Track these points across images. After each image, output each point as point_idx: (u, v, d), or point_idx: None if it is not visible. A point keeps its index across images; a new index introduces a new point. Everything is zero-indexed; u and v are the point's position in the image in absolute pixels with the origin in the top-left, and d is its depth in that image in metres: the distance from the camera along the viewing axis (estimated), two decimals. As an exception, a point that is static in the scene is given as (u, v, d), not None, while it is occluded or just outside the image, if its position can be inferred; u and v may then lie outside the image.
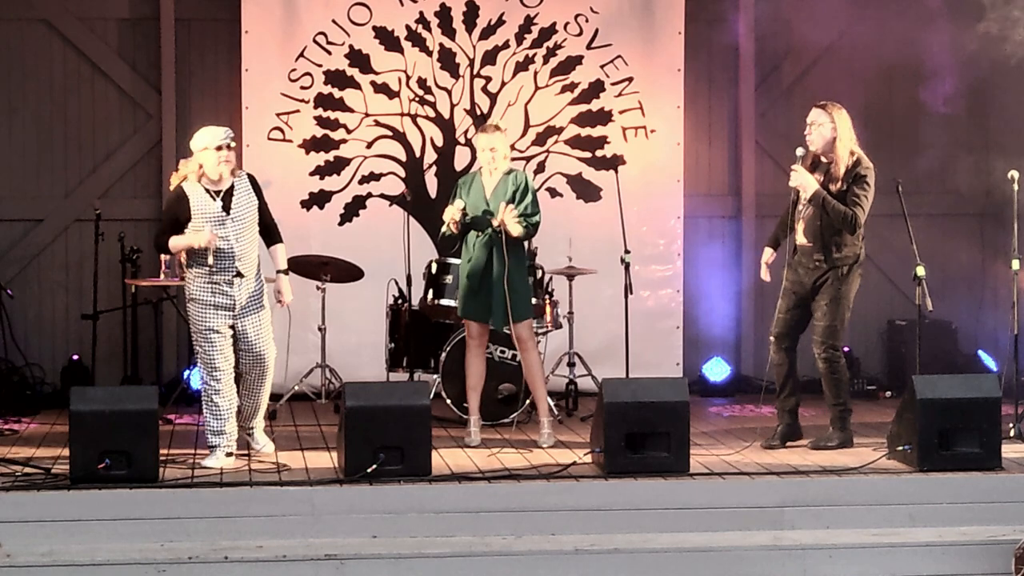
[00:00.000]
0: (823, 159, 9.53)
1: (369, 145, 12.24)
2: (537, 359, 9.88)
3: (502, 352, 10.60)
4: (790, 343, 9.67)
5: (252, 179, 9.19)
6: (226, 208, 9.00)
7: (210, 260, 8.92)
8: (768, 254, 9.84)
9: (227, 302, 9.01)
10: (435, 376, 10.71)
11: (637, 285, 10.95)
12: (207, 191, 9.00)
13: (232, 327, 9.05)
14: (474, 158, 12.25)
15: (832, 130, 9.45)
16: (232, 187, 9.05)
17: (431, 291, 10.65)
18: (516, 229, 9.60)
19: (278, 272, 9.29)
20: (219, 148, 8.96)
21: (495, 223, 9.61)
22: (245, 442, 9.36)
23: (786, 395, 9.70)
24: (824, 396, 9.65)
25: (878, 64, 12.48)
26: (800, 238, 9.55)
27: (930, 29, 12.15)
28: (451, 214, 9.68)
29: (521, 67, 12.33)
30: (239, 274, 9.01)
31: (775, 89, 12.76)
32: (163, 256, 11.19)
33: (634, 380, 9.40)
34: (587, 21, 12.34)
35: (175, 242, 9.02)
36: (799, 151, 9.49)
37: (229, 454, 9.06)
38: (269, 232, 9.28)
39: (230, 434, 9.08)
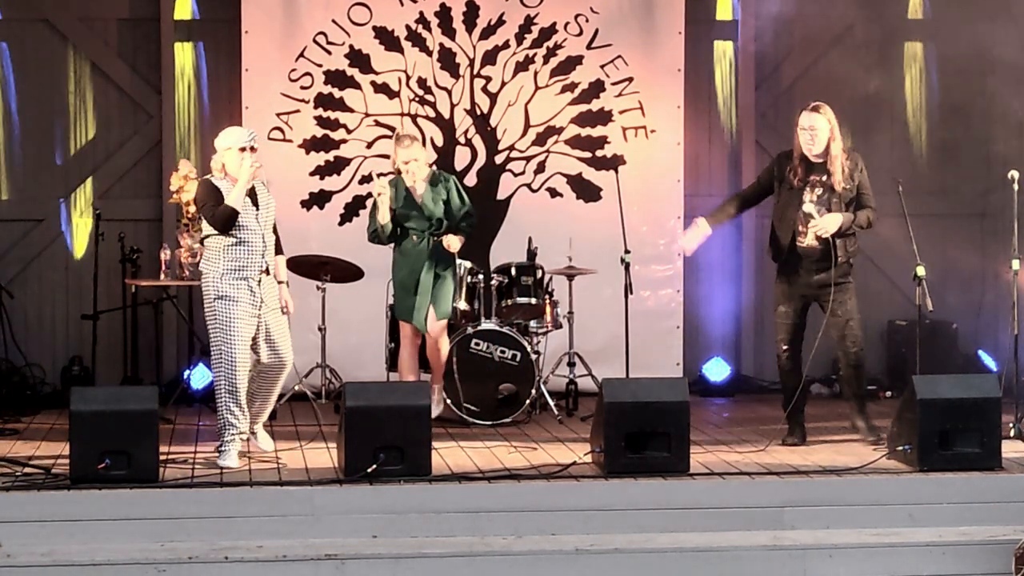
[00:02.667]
0: (812, 159, 9.59)
1: (369, 145, 12.24)
2: (447, 344, 10.33)
3: (502, 352, 10.61)
4: (799, 347, 9.78)
5: (265, 184, 9.29)
6: (255, 205, 9.09)
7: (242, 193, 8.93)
8: (704, 228, 9.87)
9: (255, 300, 9.04)
10: (435, 376, 10.73)
11: (637, 285, 10.95)
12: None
13: (256, 326, 9.07)
14: (474, 158, 12.29)
15: (829, 131, 9.58)
16: (254, 188, 9.11)
17: (431, 291, 10.70)
18: (457, 245, 10.10)
19: (279, 283, 9.28)
20: (243, 149, 8.99)
21: (448, 248, 10.03)
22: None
23: (799, 398, 9.78)
24: (844, 392, 9.98)
25: (878, 64, 12.48)
26: (809, 240, 9.60)
27: (930, 26, 12.17)
28: (380, 188, 9.82)
29: (521, 67, 12.33)
30: (266, 270, 9.09)
31: (775, 89, 12.76)
32: (163, 256, 11.20)
33: (634, 380, 9.41)
34: (587, 21, 12.34)
35: (232, 198, 8.91)
36: (806, 208, 9.58)
37: (241, 453, 9.11)
38: (275, 242, 9.31)
39: (243, 434, 9.13)
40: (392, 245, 10.20)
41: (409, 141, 10.07)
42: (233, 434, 9.03)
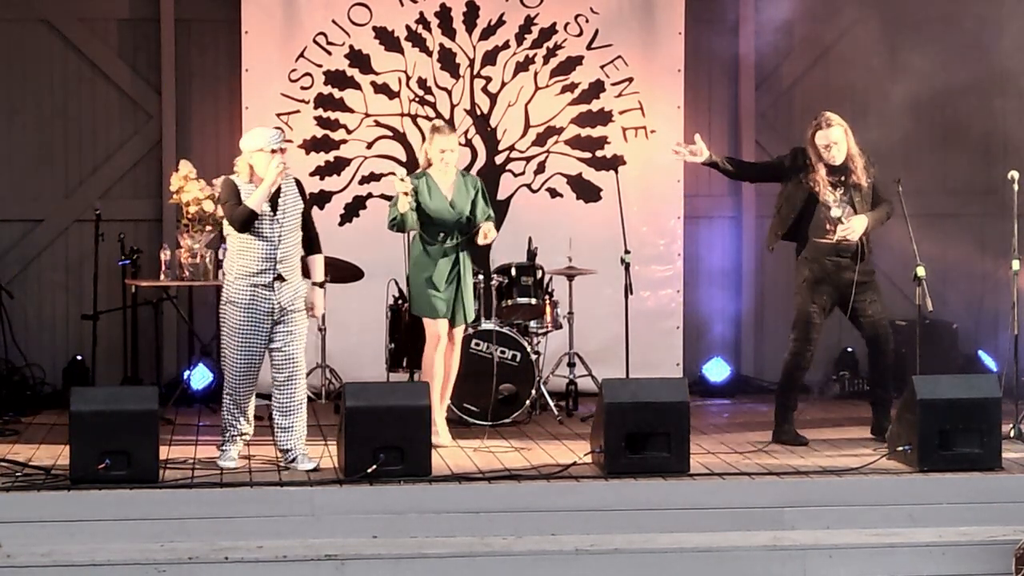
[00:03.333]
0: (832, 163, 9.65)
1: (369, 145, 12.24)
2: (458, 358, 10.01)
3: (502, 352, 10.60)
4: (816, 348, 9.83)
5: (299, 184, 9.08)
6: (273, 208, 8.89)
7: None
8: (702, 150, 9.84)
9: (266, 306, 8.86)
10: (435, 376, 10.71)
11: (637, 285, 10.95)
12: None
13: (267, 331, 8.89)
14: (474, 158, 12.28)
15: (847, 141, 9.70)
16: (280, 189, 8.93)
17: (431, 291, 10.68)
18: (494, 234, 9.77)
19: (313, 284, 9.14)
20: (273, 152, 8.83)
21: (484, 240, 9.67)
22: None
23: (796, 395, 9.87)
24: (875, 389, 10.04)
25: (878, 64, 12.48)
26: (838, 236, 9.64)
27: (930, 28, 12.17)
28: (403, 187, 9.57)
29: (521, 67, 12.33)
30: (280, 277, 8.88)
31: (775, 89, 12.76)
32: (163, 256, 11.20)
33: (634, 380, 9.41)
34: (587, 21, 12.34)
35: (252, 199, 8.76)
36: (834, 212, 9.67)
37: (241, 455, 9.06)
38: (310, 241, 9.13)
39: (245, 436, 9.05)
40: (414, 244, 9.90)
41: (449, 131, 9.93)
42: (233, 435, 9.01)
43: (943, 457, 8.81)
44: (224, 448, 9.02)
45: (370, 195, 12.22)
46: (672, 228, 12.46)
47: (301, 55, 12.12)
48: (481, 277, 10.69)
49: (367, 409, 8.65)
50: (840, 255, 9.69)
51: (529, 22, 12.30)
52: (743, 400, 12.07)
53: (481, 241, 9.73)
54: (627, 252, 10.65)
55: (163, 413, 9.91)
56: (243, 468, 8.91)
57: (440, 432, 9.73)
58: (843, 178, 9.71)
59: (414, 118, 12.24)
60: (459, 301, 9.79)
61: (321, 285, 9.20)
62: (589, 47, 12.35)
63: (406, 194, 9.57)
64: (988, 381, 9.13)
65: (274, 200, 8.90)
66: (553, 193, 12.38)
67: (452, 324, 9.83)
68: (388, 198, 12.06)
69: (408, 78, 12.23)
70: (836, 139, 9.67)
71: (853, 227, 9.62)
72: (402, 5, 12.22)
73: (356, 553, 7.99)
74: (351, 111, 12.20)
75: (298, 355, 9.00)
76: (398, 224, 9.70)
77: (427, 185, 9.76)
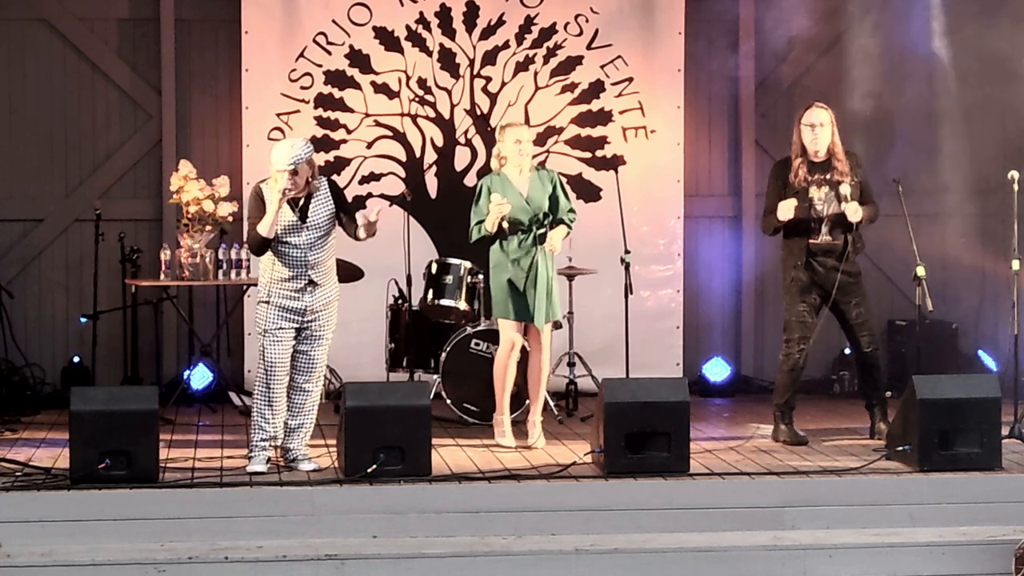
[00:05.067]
0: (815, 159, 9.65)
1: (369, 145, 12.24)
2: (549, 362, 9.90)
3: (502, 352, 10.60)
4: (809, 347, 9.77)
5: (332, 184, 9.00)
6: (303, 217, 8.83)
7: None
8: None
9: (298, 306, 8.82)
10: (435, 376, 10.72)
11: (637, 285, 10.95)
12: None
13: (297, 329, 8.89)
14: (474, 158, 12.28)
15: (832, 129, 9.69)
16: (310, 195, 8.86)
17: (431, 291, 10.68)
18: (560, 247, 9.73)
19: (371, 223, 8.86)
20: (281, 172, 8.67)
21: (551, 249, 9.64)
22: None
23: (795, 395, 9.85)
24: (866, 392, 9.98)
25: (878, 64, 12.48)
26: (824, 236, 9.64)
27: (930, 28, 12.18)
28: (497, 212, 9.48)
29: (521, 67, 12.33)
30: (312, 282, 8.84)
31: (775, 89, 12.76)
32: (163, 256, 11.20)
33: (634, 380, 9.41)
34: (587, 21, 12.34)
35: (261, 226, 8.71)
36: (845, 188, 9.64)
37: (268, 459, 8.92)
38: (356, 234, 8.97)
39: (275, 440, 8.93)
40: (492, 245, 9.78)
41: (520, 122, 9.94)
42: (263, 438, 8.86)
43: (943, 457, 8.81)
44: (252, 455, 8.88)
45: (370, 195, 12.22)
46: (672, 228, 12.46)
47: (301, 55, 12.12)
48: (481, 277, 10.68)
49: (367, 409, 8.66)
50: (827, 255, 9.68)
51: (529, 22, 12.31)
52: (743, 400, 12.07)
53: (548, 250, 9.67)
54: (627, 252, 10.64)
55: (163, 413, 9.90)
56: (272, 471, 8.83)
57: (516, 432, 9.76)
58: (828, 176, 9.69)
59: (414, 118, 12.24)
60: (540, 299, 9.64)
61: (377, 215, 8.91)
62: (589, 47, 12.35)
63: (501, 217, 9.50)
64: (988, 381, 9.13)
65: (304, 208, 8.84)
66: (553, 193, 12.37)
67: (535, 324, 9.71)
68: (389, 198, 12.12)
69: (408, 78, 12.24)
70: (824, 121, 9.65)
71: (855, 207, 9.61)
72: (402, 5, 12.22)
73: (356, 553, 8.00)
74: (351, 111, 12.20)
75: (320, 360, 9.02)
76: (478, 240, 9.67)
77: (501, 184, 9.69)
